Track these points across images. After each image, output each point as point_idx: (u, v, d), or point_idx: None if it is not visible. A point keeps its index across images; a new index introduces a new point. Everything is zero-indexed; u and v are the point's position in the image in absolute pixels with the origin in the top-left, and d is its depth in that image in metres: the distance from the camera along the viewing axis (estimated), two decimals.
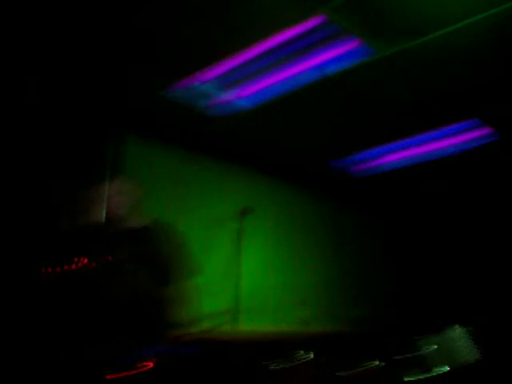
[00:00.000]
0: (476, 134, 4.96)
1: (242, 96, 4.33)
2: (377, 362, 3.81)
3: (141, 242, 3.19)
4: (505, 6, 3.01)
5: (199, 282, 3.43)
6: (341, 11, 3.14)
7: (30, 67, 3.72)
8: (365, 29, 3.34)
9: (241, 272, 2.99)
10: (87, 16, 3.21)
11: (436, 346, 3.84)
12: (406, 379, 3.76)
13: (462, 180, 6.25)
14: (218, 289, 4.67)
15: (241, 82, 4.12)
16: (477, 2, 3.00)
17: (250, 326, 4.74)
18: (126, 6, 3.12)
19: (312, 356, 3.74)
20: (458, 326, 3.83)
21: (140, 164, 4.68)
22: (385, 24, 3.27)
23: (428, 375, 3.83)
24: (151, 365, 2.51)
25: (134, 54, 3.64)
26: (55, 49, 3.54)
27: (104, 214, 3.39)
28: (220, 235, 5.02)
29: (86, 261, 2.75)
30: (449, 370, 3.77)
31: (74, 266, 2.75)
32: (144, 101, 4.36)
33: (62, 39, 3.43)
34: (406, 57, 3.62)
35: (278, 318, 5.52)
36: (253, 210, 3.05)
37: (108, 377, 2.63)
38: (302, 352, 3.77)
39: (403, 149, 5.45)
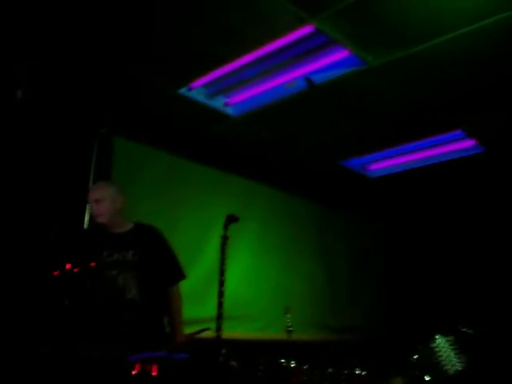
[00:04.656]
0: (461, 145, 5.01)
1: (231, 103, 4.35)
2: (358, 371, 3.83)
3: (125, 248, 3.18)
4: (491, 19, 3.05)
5: (184, 288, 3.44)
6: (330, 21, 3.15)
7: (21, 62, 3.69)
8: (354, 39, 3.36)
9: (225, 279, 2.98)
10: (82, 16, 3.20)
11: (417, 356, 3.86)
12: None
13: (452, 189, 6.30)
14: (201, 296, 4.68)
15: (230, 89, 4.14)
16: (465, 15, 3.04)
17: (234, 333, 4.75)
18: (120, 8, 3.11)
19: (294, 364, 3.75)
20: (439, 336, 3.86)
21: (127, 168, 4.66)
22: (373, 35, 3.30)
23: None
24: (138, 370, 2.50)
25: (125, 56, 3.63)
26: (48, 46, 3.51)
27: (87, 219, 3.38)
28: (205, 242, 5.02)
29: (68, 266, 2.74)
30: (430, 380, 3.80)
31: (57, 273, 2.73)
32: (134, 103, 4.36)
33: (53, 37, 3.41)
34: (394, 67, 3.65)
35: (262, 325, 5.53)
36: (238, 217, 3.04)
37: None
38: (284, 360, 3.78)
39: (392, 157, 5.50)
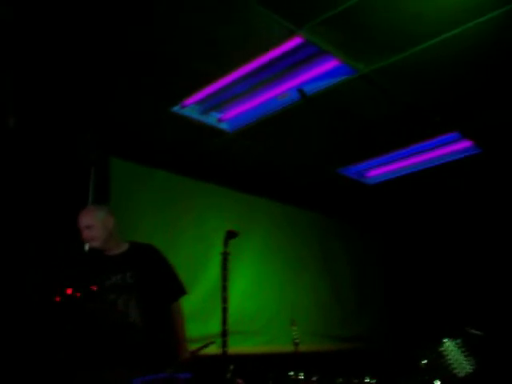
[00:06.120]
0: (458, 146, 5.01)
1: (225, 119, 4.35)
2: (368, 379, 3.80)
3: (123, 270, 3.16)
4: (479, 20, 3.06)
5: (187, 306, 3.42)
6: (318, 32, 3.16)
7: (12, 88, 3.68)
8: (343, 48, 3.37)
9: (228, 295, 2.96)
10: (74, 36, 3.19)
11: (426, 361, 3.83)
12: None
13: (451, 191, 6.29)
14: (206, 312, 4.65)
15: (223, 105, 4.15)
16: (452, 17, 3.04)
17: (240, 348, 4.72)
18: (111, 26, 3.12)
19: (303, 376, 3.73)
20: (447, 340, 3.83)
21: (125, 188, 4.66)
22: (362, 43, 3.30)
23: None
24: None
25: (118, 77, 3.63)
26: (40, 69, 3.51)
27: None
28: (206, 258, 5.00)
29: (69, 291, 2.73)
30: None
31: (59, 298, 2.72)
32: (128, 123, 4.36)
33: (45, 59, 3.40)
34: (385, 73, 3.66)
35: (268, 339, 5.49)
36: (237, 233, 3.03)
37: None
38: (293, 372, 3.75)
39: (387, 163, 5.49)
